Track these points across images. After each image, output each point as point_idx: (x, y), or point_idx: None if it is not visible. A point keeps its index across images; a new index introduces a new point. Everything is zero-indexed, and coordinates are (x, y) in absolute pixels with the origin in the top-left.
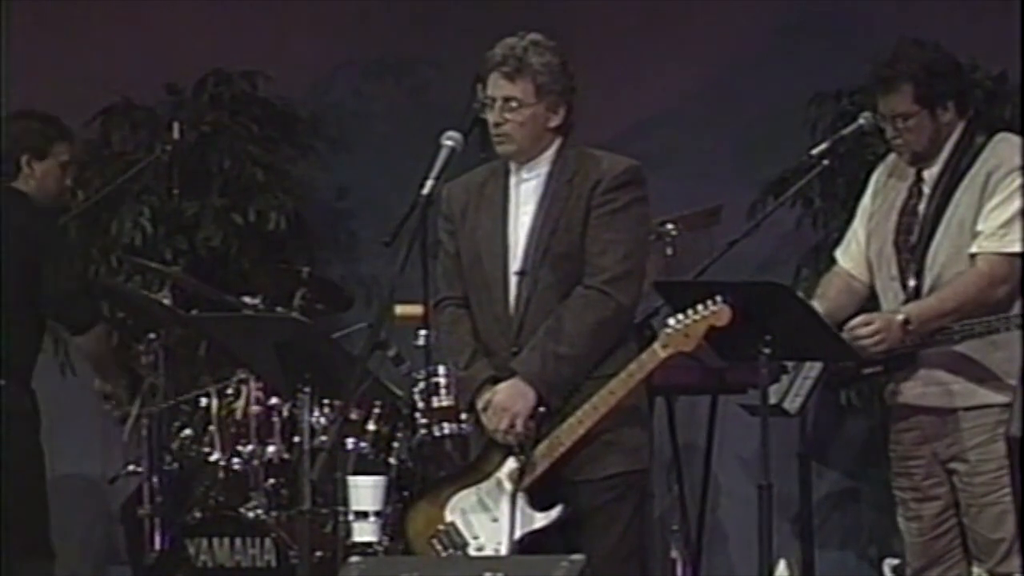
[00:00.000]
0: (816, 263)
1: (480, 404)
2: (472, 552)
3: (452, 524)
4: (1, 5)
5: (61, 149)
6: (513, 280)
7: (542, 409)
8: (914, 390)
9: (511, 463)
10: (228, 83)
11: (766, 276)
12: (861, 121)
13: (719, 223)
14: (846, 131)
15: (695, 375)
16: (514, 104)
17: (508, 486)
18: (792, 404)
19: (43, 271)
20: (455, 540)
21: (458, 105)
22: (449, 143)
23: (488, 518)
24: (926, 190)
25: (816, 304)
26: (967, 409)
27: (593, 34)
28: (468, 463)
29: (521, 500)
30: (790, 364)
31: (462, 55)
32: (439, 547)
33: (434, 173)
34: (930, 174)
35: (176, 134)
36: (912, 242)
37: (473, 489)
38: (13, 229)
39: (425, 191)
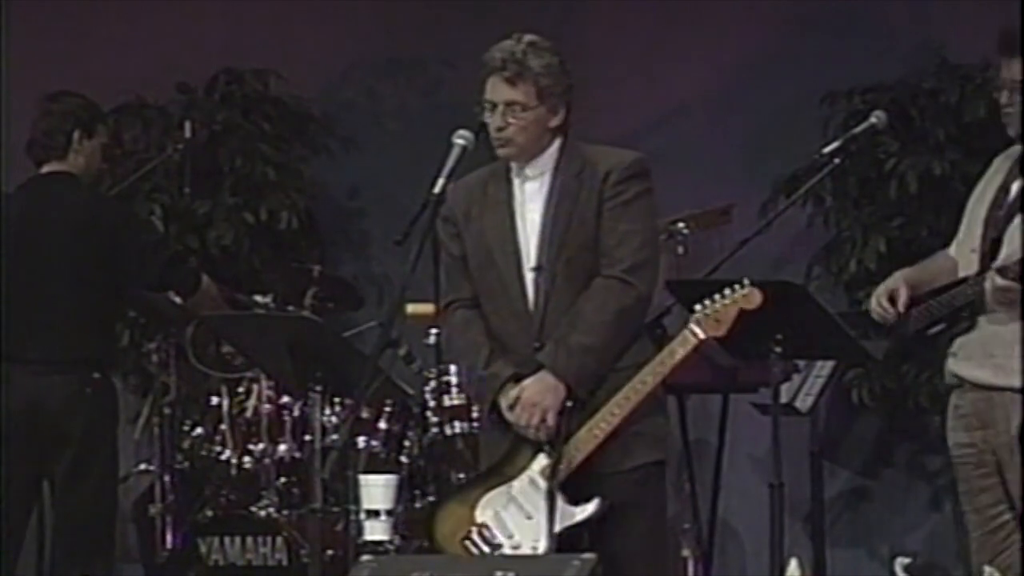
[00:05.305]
0: (827, 261)
1: (506, 402)
2: (507, 551)
3: (484, 524)
4: (1, 5)
5: (103, 130)
6: (529, 277)
7: (569, 403)
8: (967, 360)
9: (542, 459)
10: (240, 82)
11: (778, 275)
12: (873, 119)
13: (730, 222)
14: (858, 129)
15: (706, 374)
16: (517, 108)
17: (542, 483)
18: (804, 403)
19: (130, 251)
20: (488, 540)
21: (469, 104)
22: (460, 142)
23: (522, 516)
24: None
25: (908, 270)
26: (1016, 391)
27: (604, 32)
28: (495, 463)
29: (558, 496)
30: (801, 363)
31: (474, 54)
32: (472, 548)
33: (445, 172)
34: None
35: (188, 133)
36: (998, 217)
37: (503, 488)
38: (78, 216)
39: (436, 190)
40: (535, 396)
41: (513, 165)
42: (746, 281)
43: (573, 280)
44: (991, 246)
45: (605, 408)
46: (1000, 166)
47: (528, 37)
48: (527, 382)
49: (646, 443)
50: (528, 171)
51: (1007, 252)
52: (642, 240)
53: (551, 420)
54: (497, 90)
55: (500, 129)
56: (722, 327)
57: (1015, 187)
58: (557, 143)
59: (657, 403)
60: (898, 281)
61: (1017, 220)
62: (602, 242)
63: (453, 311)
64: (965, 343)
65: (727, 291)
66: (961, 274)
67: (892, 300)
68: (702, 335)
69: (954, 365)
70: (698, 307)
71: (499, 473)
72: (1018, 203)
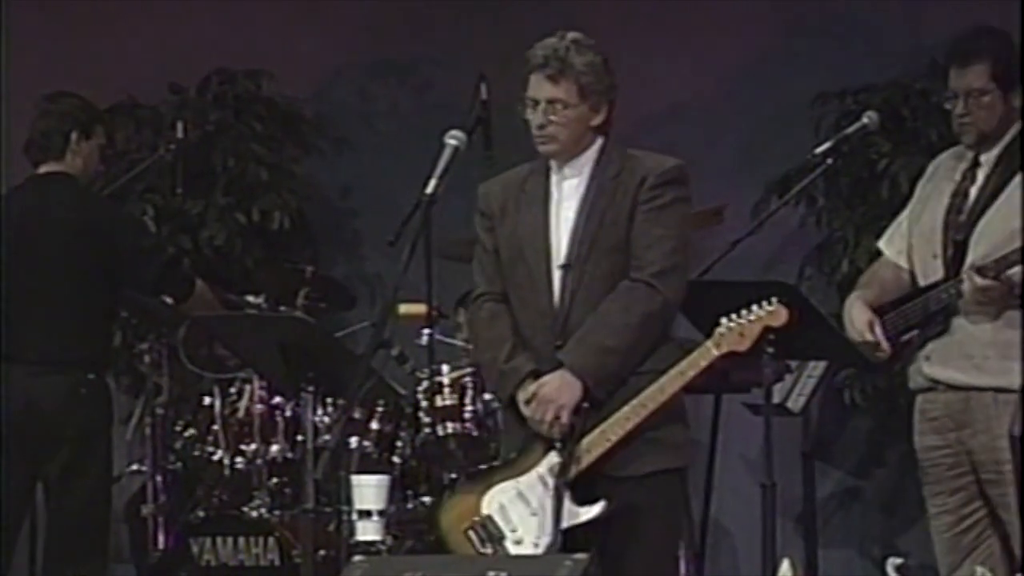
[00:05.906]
0: (820, 262)
1: (523, 397)
2: (510, 545)
3: (488, 517)
4: (1, 5)
5: (100, 131)
6: (557, 274)
7: (585, 404)
8: (943, 363)
9: (552, 457)
10: (232, 82)
11: (770, 275)
12: (865, 120)
13: (723, 222)
14: (850, 130)
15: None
16: (559, 106)
17: (550, 480)
18: (796, 403)
19: (126, 253)
20: (492, 533)
21: (462, 104)
22: (452, 142)
23: (528, 511)
24: (980, 175)
25: (864, 292)
26: (996, 391)
27: (597, 33)
28: (509, 458)
29: (564, 494)
30: (794, 363)
31: (466, 54)
32: (475, 540)
33: (437, 172)
34: (987, 158)
35: (180, 133)
36: (960, 222)
37: (512, 483)
38: (75, 217)
39: (428, 190)
40: (552, 393)
41: (553, 163)
42: (774, 299)
43: (601, 280)
44: (955, 249)
45: (620, 413)
46: (947, 167)
47: (571, 35)
48: (546, 378)
49: (660, 449)
50: (567, 169)
51: (978, 253)
52: (673, 246)
53: (566, 418)
54: (539, 87)
55: (542, 127)
56: (746, 342)
57: (973, 191)
58: (598, 143)
59: (676, 411)
60: (866, 312)
61: (982, 223)
62: (633, 245)
63: (481, 304)
64: (939, 346)
65: (754, 307)
66: (921, 280)
67: (872, 332)
68: (725, 348)
69: (928, 368)
70: (723, 320)
71: (510, 467)
72: (979, 209)
